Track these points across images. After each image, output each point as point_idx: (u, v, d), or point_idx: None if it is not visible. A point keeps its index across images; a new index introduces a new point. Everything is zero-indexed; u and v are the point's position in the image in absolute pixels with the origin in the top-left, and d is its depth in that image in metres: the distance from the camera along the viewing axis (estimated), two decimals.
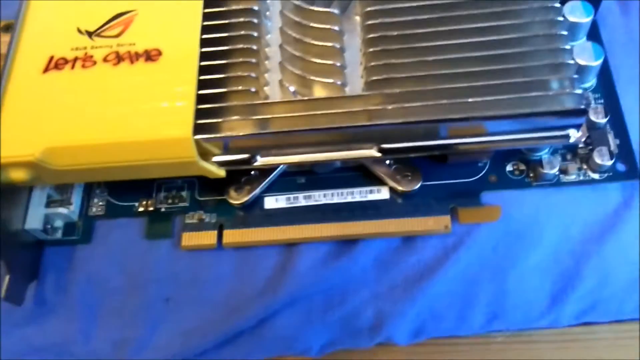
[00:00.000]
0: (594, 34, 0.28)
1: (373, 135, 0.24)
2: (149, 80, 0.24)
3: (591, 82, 0.27)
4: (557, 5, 0.24)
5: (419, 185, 0.26)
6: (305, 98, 0.24)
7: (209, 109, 0.24)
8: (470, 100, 0.23)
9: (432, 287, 0.25)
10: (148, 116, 0.23)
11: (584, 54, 0.25)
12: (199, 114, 0.23)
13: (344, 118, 0.23)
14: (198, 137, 0.23)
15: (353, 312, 0.26)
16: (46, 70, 0.24)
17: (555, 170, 0.25)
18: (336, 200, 0.27)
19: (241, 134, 0.23)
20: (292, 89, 0.25)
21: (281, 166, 0.26)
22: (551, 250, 0.25)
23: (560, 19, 0.24)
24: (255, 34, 0.25)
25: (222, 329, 0.26)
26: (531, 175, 0.26)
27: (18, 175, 0.23)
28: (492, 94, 0.23)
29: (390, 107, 0.23)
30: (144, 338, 0.26)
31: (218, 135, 0.23)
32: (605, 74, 0.27)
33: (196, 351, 0.26)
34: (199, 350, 0.26)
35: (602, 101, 0.27)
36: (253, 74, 0.24)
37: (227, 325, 0.26)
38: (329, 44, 0.25)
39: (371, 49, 0.24)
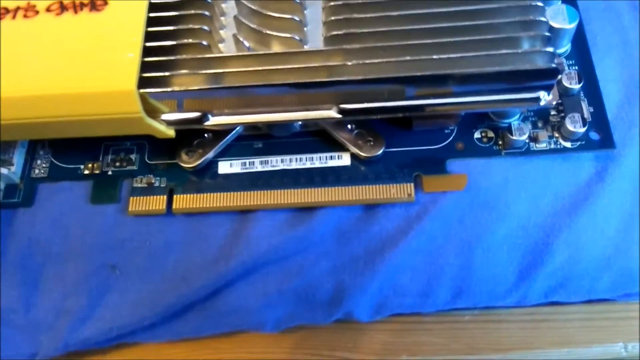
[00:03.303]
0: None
1: (333, 94, 0.23)
2: (93, 31, 0.22)
3: (566, 47, 0.26)
4: None
5: (381, 151, 0.25)
6: (261, 52, 0.23)
7: (156, 62, 0.22)
8: (435, 57, 0.22)
9: (395, 259, 0.24)
10: (90, 68, 0.22)
11: (558, 17, 0.24)
12: (145, 67, 0.22)
13: (301, 74, 0.22)
14: (143, 90, 0.22)
15: (311, 285, 0.24)
16: None
17: (525, 137, 0.24)
18: (295, 166, 0.25)
19: (190, 88, 0.22)
20: (247, 44, 0.23)
21: (236, 129, 0.25)
22: (520, 222, 0.24)
23: None
24: None
25: (171, 301, 0.24)
26: (500, 143, 0.25)
27: None
28: (458, 51, 0.22)
29: (350, 63, 0.22)
30: (89, 308, 0.24)
31: (165, 89, 0.22)
32: (580, 40, 0.26)
33: (144, 323, 0.24)
34: (147, 322, 0.24)
35: (576, 67, 0.26)
36: (205, 28, 0.23)
37: (177, 297, 0.24)
38: None
39: (332, 3, 0.23)
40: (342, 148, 0.25)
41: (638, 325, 0.24)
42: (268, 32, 0.23)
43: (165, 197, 0.25)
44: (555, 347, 0.24)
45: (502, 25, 0.22)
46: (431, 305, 0.24)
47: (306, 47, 0.23)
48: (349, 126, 0.25)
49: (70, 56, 0.22)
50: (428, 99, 0.23)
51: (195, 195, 0.25)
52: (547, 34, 0.22)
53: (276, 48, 0.24)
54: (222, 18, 0.25)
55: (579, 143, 0.25)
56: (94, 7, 0.23)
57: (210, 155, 0.25)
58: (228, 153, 0.26)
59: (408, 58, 0.22)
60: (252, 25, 0.23)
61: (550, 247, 0.24)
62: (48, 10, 0.23)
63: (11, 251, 0.25)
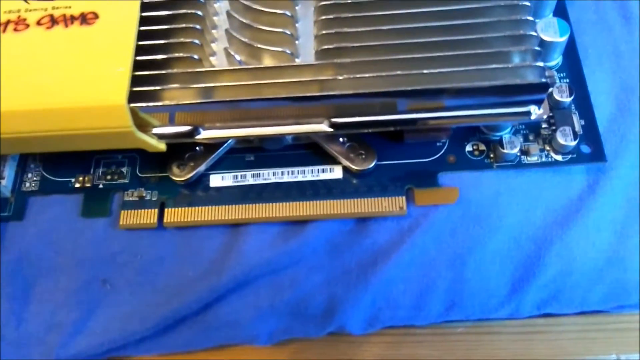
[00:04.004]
0: (561, 12, 0.27)
1: (325, 108, 0.23)
2: (83, 45, 0.22)
3: (557, 60, 0.26)
4: None
5: (373, 164, 0.25)
6: (252, 66, 0.23)
7: (147, 76, 0.22)
8: (426, 71, 0.22)
9: (387, 273, 0.24)
10: (81, 82, 0.22)
11: (549, 30, 0.24)
12: (136, 81, 0.22)
13: (292, 88, 0.22)
14: (133, 105, 0.21)
15: (303, 298, 0.24)
16: None
17: (516, 151, 0.24)
18: (286, 179, 0.25)
19: (180, 103, 0.22)
20: (239, 58, 0.23)
21: (228, 142, 0.25)
22: (512, 235, 0.24)
23: None
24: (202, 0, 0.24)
25: (162, 315, 0.24)
26: (491, 156, 0.25)
27: None
28: (449, 66, 0.22)
29: (341, 77, 0.22)
30: (80, 322, 0.24)
31: (155, 104, 0.22)
32: (571, 53, 0.26)
33: (135, 337, 0.24)
34: (138, 336, 0.24)
35: (567, 80, 0.26)
36: (197, 41, 0.23)
37: (168, 311, 0.24)
38: (280, 12, 0.23)
39: (323, 17, 0.23)
40: (334, 161, 0.25)
41: (631, 337, 0.24)
42: (259, 45, 0.23)
43: (156, 210, 0.25)
44: (548, 359, 0.24)
45: (492, 39, 0.22)
46: (424, 317, 0.24)
47: (297, 61, 0.23)
48: (341, 139, 0.25)
49: (60, 70, 0.22)
50: (419, 113, 0.23)
51: (186, 208, 0.25)
52: (538, 48, 0.22)
53: (267, 62, 0.24)
54: (214, 31, 0.25)
55: (570, 156, 0.25)
56: (84, 21, 0.23)
57: (201, 168, 0.25)
58: (220, 166, 0.26)
59: (399, 72, 0.22)
60: (243, 39, 0.23)
61: (543, 259, 0.24)
62: (38, 23, 0.23)
63: (2, 265, 0.25)
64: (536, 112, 0.23)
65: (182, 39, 0.23)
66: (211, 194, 0.25)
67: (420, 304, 0.24)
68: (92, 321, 0.24)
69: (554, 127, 0.25)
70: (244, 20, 0.24)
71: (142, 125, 0.23)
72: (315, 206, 0.25)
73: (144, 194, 0.25)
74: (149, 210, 0.25)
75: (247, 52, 0.24)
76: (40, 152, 0.25)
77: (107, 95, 0.21)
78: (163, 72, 0.22)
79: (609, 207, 0.24)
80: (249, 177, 0.25)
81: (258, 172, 0.25)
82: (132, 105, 0.22)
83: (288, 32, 0.23)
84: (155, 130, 0.23)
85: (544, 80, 0.21)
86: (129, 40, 0.22)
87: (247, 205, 0.25)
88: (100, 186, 0.26)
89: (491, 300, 0.24)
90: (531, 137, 0.25)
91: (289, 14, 0.24)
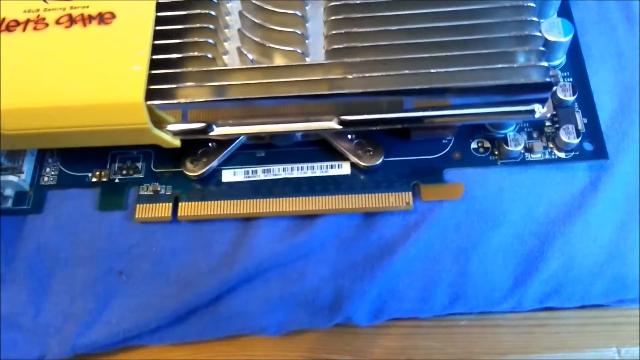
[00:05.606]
0: (565, 12, 0.27)
1: (334, 106, 0.23)
2: (101, 44, 0.23)
3: (560, 59, 0.27)
4: None
5: (380, 160, 0.25)
6: (264, 65, 0.23)
7: (163, 74, 0.23)
8: (433, 71, 0.22)
9: (393, 266, 0.25)
10: (99, 80, 0.22)
11: (553, 30, 0.25)
12: (152, 79, 0.23)
13: (303, 87, 0.23)
14: (150, 102, 0.22)
15: (311, 290, 0.25)
16: None
17: (520, 148, 0.25)
18: (296, 174, 0.26)
19: (195, 100, 0.23)
20: (251, 57, 0.24)
21: (240, 138, 0.26)
22: (515, 230, 0.25)
23: None
24: (215, 0, 0.24)
25: (175, 305, 0.25)
26: (496, 153, 0.26)
27: None
28: (456, 65, 0.22)
29: (351, 76, 0.22)
30: (96, 312, 0.25)
31: (171, 101, 0.23)
32: (575, 52, 0.27)
33: (149, 327, 0.25)
34: (152, 326, 0.25)
35: (571, 79, 0.26)
36: (210, 40, 0.24)
37: (181, 301, 0.25)
38: (290, 12, 0.24)
39: (333, 17, 0.24)
40: (342, 157, 0.26)
41: (631, 331, 0.25)
42: (271, 45, 0.24)
43: (170, 204, 0.26)
44: (550, 352, 0.25)
45: (498, 40, 0.23)
46: (429, 310, 0.25)
47: (308, 60, 0.24)
48: (349, 136, 0.26)
49: (79, 69, 0.23)
50: (426, 111, 0.23)
51: (199, 202, 0.26)
52: (542, 48, 0.22)
53: (278, 61, 0.24)
54: (226, 31, 0.25)
55: (573, 153, 0.25)
56: (102, 20, 0.24)
57: (214, 164, 0.26)
58: (231, 162, 0.26)
59: (407, 72, 0.22)
60: (255, 38, 0.24)
61: (545, 254, 0.25)
62: (57, 23, 0.24)
63: (21, 256, 0.26)
64: (540, 110, 0.23)
65: (196, 39, 0.24)
66: (223, 189, 0.26)
67: (425, 296, 0.25)
68: (108, 311, 0.25)
69: (557, 125, 0.26)
70: (256, 20, 0.24)
71: (158, 122, 0.23)
72: (324, 201, 0.25)
73: (159, 189, 0.26)
74: (164, 204, 0.26)
75: (259, 51, 0.24)
76: (59, 147, 0.26)
77: (125, 93, 0.22)
78: (178, 70, 0.23)
79: (611, 203, 0.25)
80: (260, 173, 0.26)
81: (268, 167, 0.26)
82: (148, 102, 0.22)
83: (298, 32, 0.24)
84: (170, 127, 0.24)
85: (548, 79, 0.22)
86: (146, 40, 0.23)
87: (257, 200, 0.25)
88: (117, 181, 0.27)
89: (494, 293, 0.25)
90: (535, 135, 0.26)
91: (300, 14, 0.24)
